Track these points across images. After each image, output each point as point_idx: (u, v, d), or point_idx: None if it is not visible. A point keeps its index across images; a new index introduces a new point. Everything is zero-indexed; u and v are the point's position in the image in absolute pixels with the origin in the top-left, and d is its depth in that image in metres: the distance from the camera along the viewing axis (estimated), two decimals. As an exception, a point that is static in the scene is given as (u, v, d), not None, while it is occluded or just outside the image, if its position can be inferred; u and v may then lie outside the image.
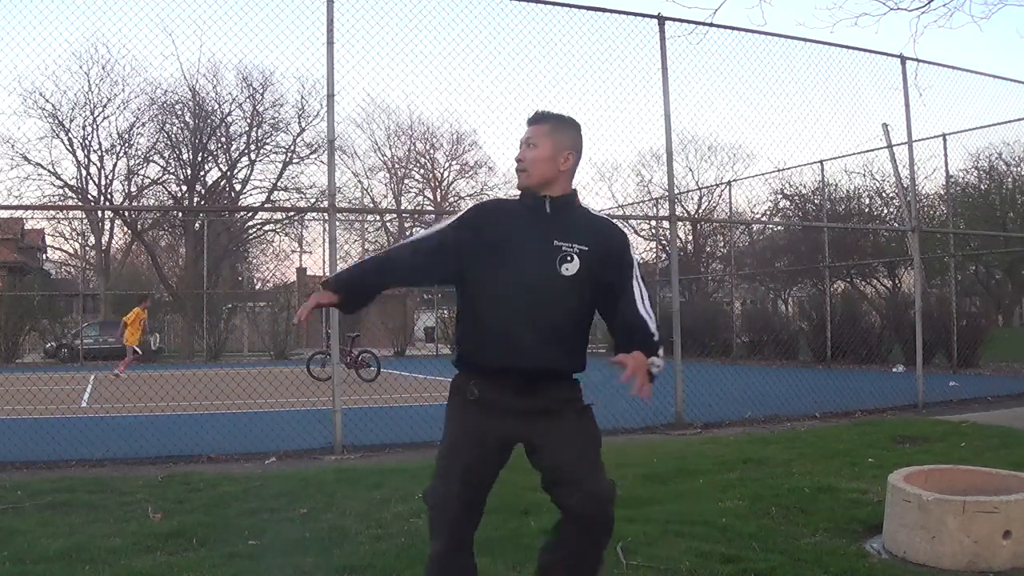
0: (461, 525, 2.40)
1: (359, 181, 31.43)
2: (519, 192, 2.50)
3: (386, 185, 33.50)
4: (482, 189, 32.66)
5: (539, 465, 2.40)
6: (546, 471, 2.38)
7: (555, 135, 2.47)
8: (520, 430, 2.38)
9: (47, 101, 24.21)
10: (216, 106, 26.22)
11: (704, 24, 7.36)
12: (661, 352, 2.35)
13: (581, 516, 2.33)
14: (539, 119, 2.51)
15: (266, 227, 28.53)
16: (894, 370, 13.63)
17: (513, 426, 2.37)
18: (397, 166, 32.72)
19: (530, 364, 2.34)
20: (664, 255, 22.12)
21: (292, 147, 26.87)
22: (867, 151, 15.35)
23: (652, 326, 2.38)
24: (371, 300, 2.57)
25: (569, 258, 2.38)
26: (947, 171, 14.19)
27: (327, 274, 9.10)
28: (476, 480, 2.40)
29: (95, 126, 25.35)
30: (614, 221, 2.54)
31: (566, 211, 2.46)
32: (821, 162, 16.36)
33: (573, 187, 2.51)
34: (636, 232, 26.60)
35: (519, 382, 2.35)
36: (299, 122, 26.40)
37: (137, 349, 15.70)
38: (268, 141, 27.13)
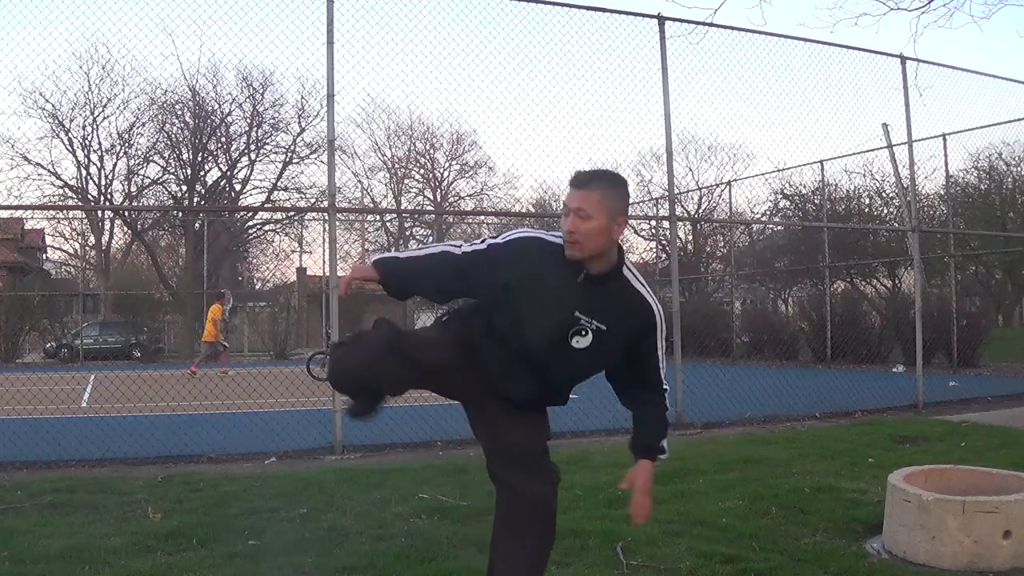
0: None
1: (359, 181, 31.39)
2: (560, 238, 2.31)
3: (386, 185, 33.46)
4: (482, 189, 32.67)
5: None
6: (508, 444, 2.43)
7: (608, 202, 2.23)
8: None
9: (47, 101, 24.23)
10: (216, 106, 26.24)
11: (704, 24, 7.36)
12: (667, 440, 2.44)
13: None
14: (588, 183, 2.24)
15: (266, 227, 28.57)
16: (894, 370, 13.62)
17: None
18: (397, 166, 32.69)
19: (521, 399, 2.42)
20: (664, 255, 22.13)
21: (292, 147, 26.88)
22: (867, 151, 15.36)
23: (666, 401, 2.44)
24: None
25: (583, 332, 2.29)
26: (947, 171, 14.18)
27: (327, 274, 9.10)
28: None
29: (95, 126, 25.36)
30: (650, 300, 2.36)
31: (602, 283, 2.30)
32: (821, 162, 16.36)
33: (619, 249, 2.34)
34: (636, 232, 26.62)
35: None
36: (299, 122, 26.41)
37: (212, 344, 15.74)
38: (268, 141, 27.15)
